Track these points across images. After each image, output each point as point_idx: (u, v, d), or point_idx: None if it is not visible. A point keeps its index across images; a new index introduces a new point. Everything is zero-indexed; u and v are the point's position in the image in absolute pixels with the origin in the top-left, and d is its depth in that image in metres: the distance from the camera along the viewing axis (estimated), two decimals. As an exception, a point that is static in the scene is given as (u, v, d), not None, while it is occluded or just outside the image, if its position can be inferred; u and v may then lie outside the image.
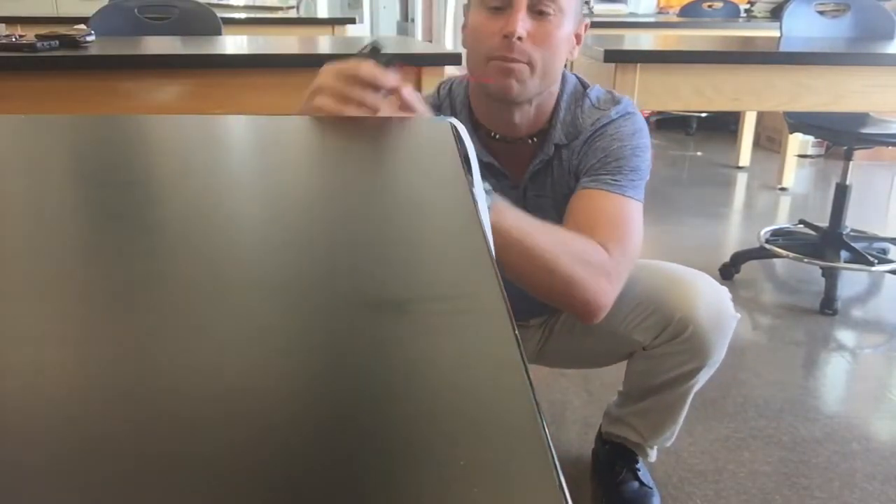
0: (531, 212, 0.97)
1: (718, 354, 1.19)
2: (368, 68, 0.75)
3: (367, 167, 0.63)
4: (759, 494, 1.44)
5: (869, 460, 1.55)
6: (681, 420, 1.30)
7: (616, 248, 1.00)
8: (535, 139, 1.16)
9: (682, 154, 4.57)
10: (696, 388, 1.24)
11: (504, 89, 1.06)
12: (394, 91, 0.77)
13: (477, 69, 1.09)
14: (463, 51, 1.18)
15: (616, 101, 1.14)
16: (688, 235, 3.02)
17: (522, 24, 1.02)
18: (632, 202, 1.07)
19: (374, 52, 0.79)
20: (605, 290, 0.98)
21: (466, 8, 1.13)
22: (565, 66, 1.15)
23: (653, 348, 1.19)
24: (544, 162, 1.15)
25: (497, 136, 1.17)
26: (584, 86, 1.17)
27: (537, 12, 1.03)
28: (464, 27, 1.13)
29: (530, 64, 1.05)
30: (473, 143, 1.14)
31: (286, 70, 1.60)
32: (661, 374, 1.22)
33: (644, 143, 1.12)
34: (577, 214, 1.06)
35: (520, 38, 1.02)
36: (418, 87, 1.61)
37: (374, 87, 0.75)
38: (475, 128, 1.16)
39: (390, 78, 0.76)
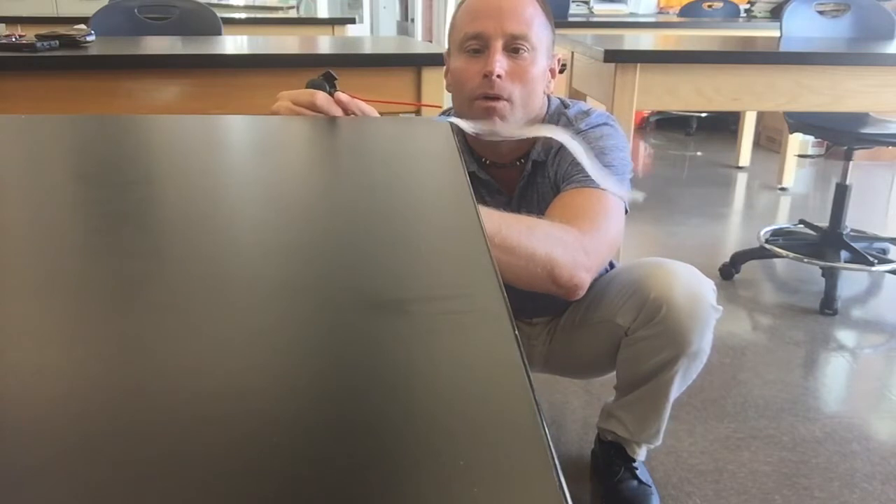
0: None
1: (697, 345, 1.19)
2: (323, 99, 0.85)
3: (367, 167, 0.63)
4: (759, 494, 1.44)
5: (869, 460, 1.55)
6: (664, 416, 1.31)
7: (587, 227, 1.05)
8: (521, 161, 1.25)
9: (682, 154, 4.57)
10: (677, 382, 1.24)
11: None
12: (347, 111, 0.87)
13: (462, 109, 1.18)
14: (447, 95, 1.29)
15: (588, 115, 1.22)
16: (688, 235, 3.02)
17: (500, 63, 1.10)
18: (605, 194, 1.10)
19: (327, 76, 0.89)
20: (583, 264, 1.01)
21: (447, 55, 1.23)
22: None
23: (633, 333, 1.22)
24: (527, 178, 1.24)
25: (488, 162, 1.27)
26: (566, 105, 1.25)
27: (512, 50, 1.12)
28: (446, 73, 1.24)
29: (510, 100, 1.13)
30: (469, 162, 1.24)
31: (286, 70, 1.60)
32: (642, 362, 1.24)
33: (614, 144, 1.17)
34: (552, 211, 1.11)
35: (499, 76, 1.10)
36: (418, 87, 1.61)
37: (327, 115, 0.85)
38: (469, 152, 1.26)
39: (339, 110, 0.86)
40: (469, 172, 1.21)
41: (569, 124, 1.20)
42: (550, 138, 1.20)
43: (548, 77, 1.20)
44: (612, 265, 1.38)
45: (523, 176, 1.23)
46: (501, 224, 0.95)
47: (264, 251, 0.42)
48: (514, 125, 1.15)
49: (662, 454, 1.54)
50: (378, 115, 0.91)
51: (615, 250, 1.12)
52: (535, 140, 1.22)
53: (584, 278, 1.02)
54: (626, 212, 1.16)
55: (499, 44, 1.11)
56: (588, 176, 1.11)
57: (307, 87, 0.88)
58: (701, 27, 4.23)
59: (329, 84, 0.89)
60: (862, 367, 2.00)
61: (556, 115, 1.23)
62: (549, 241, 1.00)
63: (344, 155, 0.69)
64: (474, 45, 1.13)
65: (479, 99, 1.13)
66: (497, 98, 1.12)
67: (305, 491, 0.22)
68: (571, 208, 1.09)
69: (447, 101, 1.36)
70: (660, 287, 1.17)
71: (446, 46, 1.25)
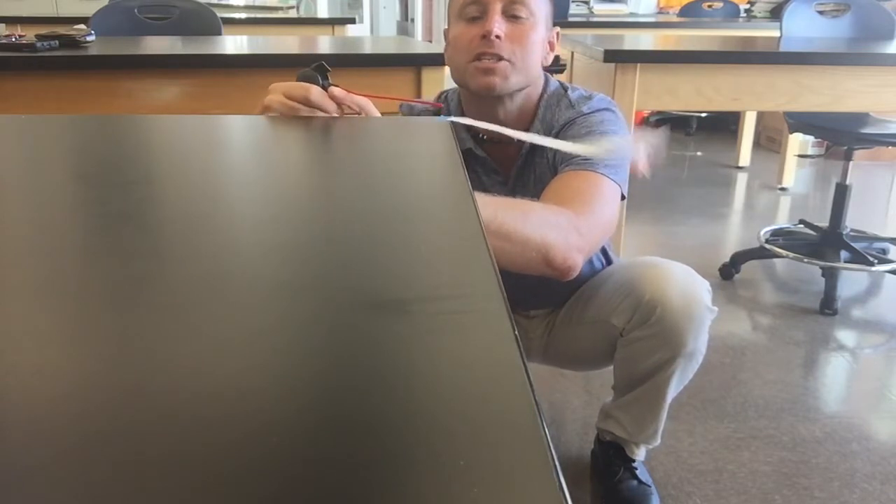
0: None
1: (693, 346, 1.19)
2: (317, 94, 0.84)
3: (367, 167, 0.63)
4: (759, 494, 1.44)
5: (869, 460, 1.55)
6: (661, 416, 1.31)
7: (581, 209, 1.04)
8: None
9: (682, 154, 4.57)
10: (673, 383, 1.24)
11: (488, 85, 1.14)
12: (340, 107, 0.86)
13: (461, 78, 1.18)
14: (446, 69, 1.29)
15: (590, 99, 1.22)
16: (688, 235, 3.02)
17: (498, 25, 1.12)
18: (602, 177, 1.10)
19: (320, 69, 0.87)
20: (576, 245, 1.01)
21: (446, 31, 1.23)
22: (551, 71, 1.25)
23: (629, 333, 1.22)
24: (525, 158, 1.23)
25: (485, 138, 1.25)
26: (566, 88, 1.25)
27: (511, 16, 1.14)
28: (445, 48, 1.24)
29: (510, 61, 1.13)
30: (466, 139, 1.23)
31: (286, 70, 1.59)
32: (638, 362, 1.24)
33: (614, 130, 1.17)
34: (548, 193, 1.10)
35: (497, 37, 1.11)
36: (418, 87, 1.61)
37: (321, 109, 0.84)
38: (467, 128, 1.25)
39: (333, 105, 0.85)
40: (466, 149, 1.23)
41: (570, 107, 1.20)
42: (552, 119, 1.20)
43: (546, 49, 1.20)
44: (610, 260, 1.38)
45: (521, 154, 1.23)
46: (497, 210, 0.95)
47: (264, 251, 0.42)
48: (513, 87, 1.15)
49: (662, 454, 1.54)
50: (376, 110, 0.89)
51: (609, 233, 1.12)
52: (533, 119, 1.21)
53: (578, 259, 1.02)
54: (624, 197, 1.15)
55: (497, 6, 1.12)
56: (586, 159, 1.11)
57: (299, 80, 0.86)
58: (701, 27, 4.23)
59: (322, 76, 0.87)
60: (862, 367, 2.00)
61: (556, 97, 1.22)
62: (543, 225, 0.99)
63: (344, 154, 0.69)
64: (473, 11, 1.14)
65: (476, 60, 1.13)
66: (496, 59, 1.12)
67: (305, 491, 0.22)
68: (567, 190, 1.09)
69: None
70: (655, 288, 1.17)
71: (445, 26, 1.25)
